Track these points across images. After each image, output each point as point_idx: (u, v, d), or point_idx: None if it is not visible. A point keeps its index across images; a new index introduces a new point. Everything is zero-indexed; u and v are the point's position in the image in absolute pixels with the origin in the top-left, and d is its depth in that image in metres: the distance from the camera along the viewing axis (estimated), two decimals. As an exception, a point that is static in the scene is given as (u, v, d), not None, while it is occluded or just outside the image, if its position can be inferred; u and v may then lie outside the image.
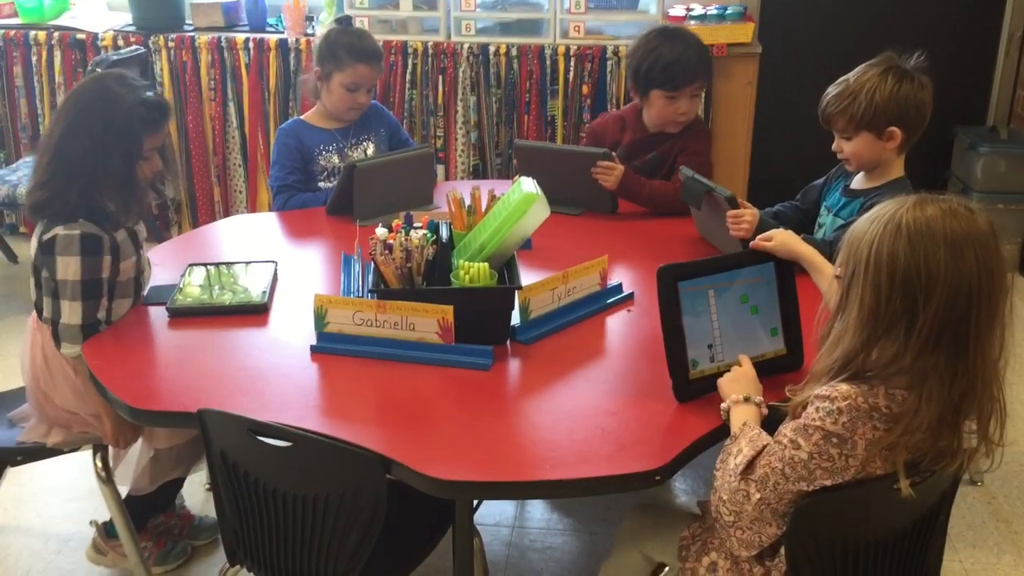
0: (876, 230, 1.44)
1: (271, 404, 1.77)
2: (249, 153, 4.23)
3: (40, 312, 2.10)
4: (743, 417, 1.62)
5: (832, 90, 2.28)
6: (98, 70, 3.40)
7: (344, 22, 2.93)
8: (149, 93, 2.09)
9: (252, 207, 4.29)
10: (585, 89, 3.96)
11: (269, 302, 2.17)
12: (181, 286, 2.20)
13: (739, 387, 1.69)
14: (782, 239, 1.86)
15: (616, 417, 1.73)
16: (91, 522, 2.39)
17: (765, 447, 1.52)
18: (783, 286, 1.85)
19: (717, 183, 2.41)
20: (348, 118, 2.91)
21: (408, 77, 4.05)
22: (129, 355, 1.97)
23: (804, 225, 2.51)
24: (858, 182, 2.39)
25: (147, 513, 2.38)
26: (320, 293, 1.97)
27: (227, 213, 4.35)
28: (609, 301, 2.18)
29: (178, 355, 1.98)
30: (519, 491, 1.82)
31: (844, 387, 1.45)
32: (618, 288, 2.22)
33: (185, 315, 2.11)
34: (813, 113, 2.33)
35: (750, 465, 1.52)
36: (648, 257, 2.49)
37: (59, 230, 1.99)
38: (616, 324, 2.12)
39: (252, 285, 2.23)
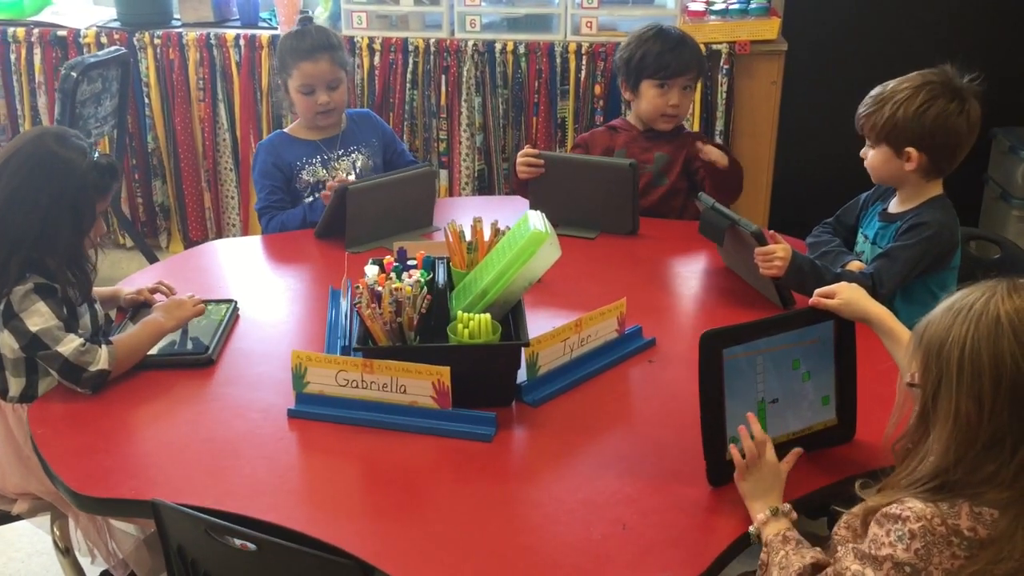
0: (966, 328, 1.19)
1: (239, 488, 1.54)
2: (241, 157, 3.98)
3: (4, 394, 1.89)
4: (773, 535, 1.38)
5: (873, 91, 2.08)
6: (72, 74, 3.17)
7: (303, 23, 2.70)
8: (96, 154, 1.87)
9: (244, 214, 4.05)
10: (598, 89, 3.70)
11: (216, 353, 1.92)
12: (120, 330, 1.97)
13: (761, 488, 1.44)
14: (847, 296, 1.60)
15: (639, 507, 1.48)
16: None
17: (812, 571, 1.28)
18: (841, 349, 1.60)
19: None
20: (323, 124, 2.66)
21: (409, 76, 3.79)
22: (77, 423, 1.73)
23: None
24: (895, 205, 2.17)
25: None
26: (298, 349, 1.73)
27: (218, 220, 4.11)
28: (627, 350, 1.93)
29: (132, 422, 1.74)
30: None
31: (918, 505, 1.20)
32: (637, 334, 1.97)
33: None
34: (842, 115, 2.12)
35: None
36: (670, 293, 2.25)
37: (9, 295, 1.78)
38: (636, 378, 1.87)
39: (202, 330, 1.99)
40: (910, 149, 2.00)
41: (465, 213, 2.12)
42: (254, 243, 2.56)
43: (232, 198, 4.07)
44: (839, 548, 1.35)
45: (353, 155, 2.71)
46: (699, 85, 3.62)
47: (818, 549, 1.35)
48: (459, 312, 1.76)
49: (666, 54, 2.57)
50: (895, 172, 2.06)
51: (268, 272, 2.41)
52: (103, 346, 1.79)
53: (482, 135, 3.84)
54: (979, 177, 4.09)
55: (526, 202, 2.57)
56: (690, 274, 2.32)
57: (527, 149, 2.56)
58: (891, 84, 2.04)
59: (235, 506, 1.48)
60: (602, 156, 2.65)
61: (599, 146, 2.71)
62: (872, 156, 2.08)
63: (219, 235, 4.08)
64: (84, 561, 2.02)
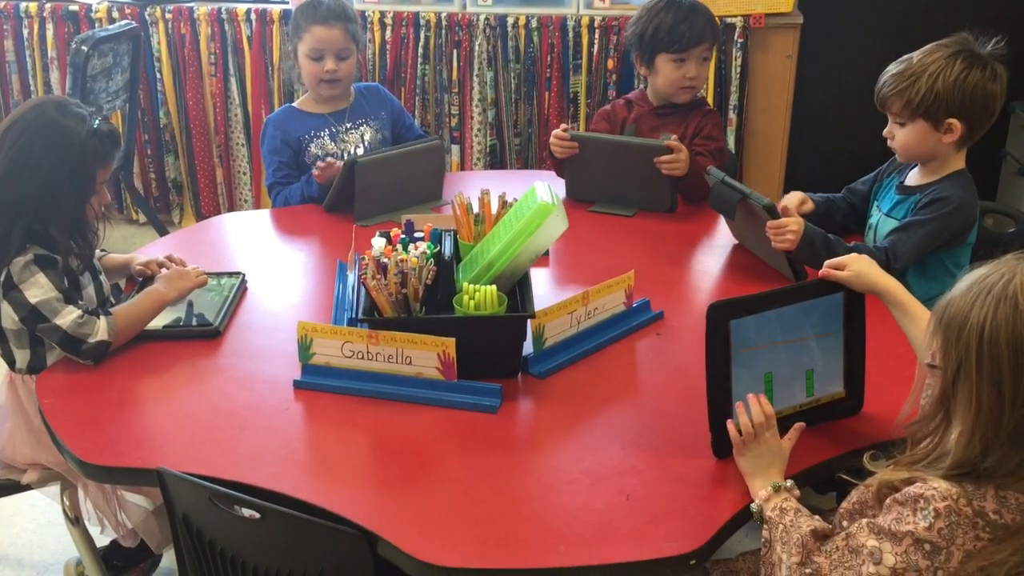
0: (985, 310, 1.15)
1: (244, 458, 1.54)
2: (253, 132, 3.97)
3: (12, 365, 1.90)
4: (772, 510, 1.37)
5: (892, 68, 2.02)
6: (83, 48, 3.16)
7: None
8: (98, 121, 1.86)
9: (256, 190, 4.05)
10: (611, 64, 3.67)
11: (223, 325, 1.92)
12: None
13: (760, 465, 1.42)
14: (858, 268, 1.57)
15: (643, 477, 1.48)
16: (65, 565, 2.19)
17: (812, 538, 1.27)
18: (850, 321, 1.58)
19: (742, 165, 2.13)
20: (326, 93, 2.64)
21: (420, 51, 3.77)
22: (84, 393, 1.73)
23: (851, 224, 2.28)
24: (913, 178, 2.13)
25: (129, 563, 2.17)
26: (304, 320, 1.73)
27: (230, 196, 4.12)
28: (635, 323, 1.92)
29: (140, 393, 1.74)
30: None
31: (943, 485, 1.18)
32: (645, 307, 1.96)
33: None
34: (859, 89, 2.07)
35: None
36: (680, 266, 2.23)
37: (9, 265, 1.78)
38: (643, 352, 1.86)
39: (209, 304, 1.98)
40: (952, 120, 1.96)
41: (477, 187, 2.10)
42: (264, 217, 2.55)
43: (244, 173, 4.07)
44: (844, 521, 1.34)
45: (361, 128, 2.69)
46: (713, 58, 3.59)
47: (817, 517, 1.33)
48: (465, 284, 1.75)
49: (679, 25, 2.52)
50: (932, 147, 2.01)
51: (277, 245, 2.40)
52: (102, 317, 1.79)
53: (494, 110, 3.82)
54: (997, 152, 4.04)
55: (538, 175, 2.55)
56: (702, 248, 2.30)
57: (560, 129, 2.51)
58: (916, 57, 1.99)
59: (240, 475, 1.48)
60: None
61: (618, 120, 2.67)
62: (905, 133, 2.01)
63: (231, 210, 4.08)
64: (94, 531, 2.03)
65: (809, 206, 2.25)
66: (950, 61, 1.94)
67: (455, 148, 3.88)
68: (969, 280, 1.21)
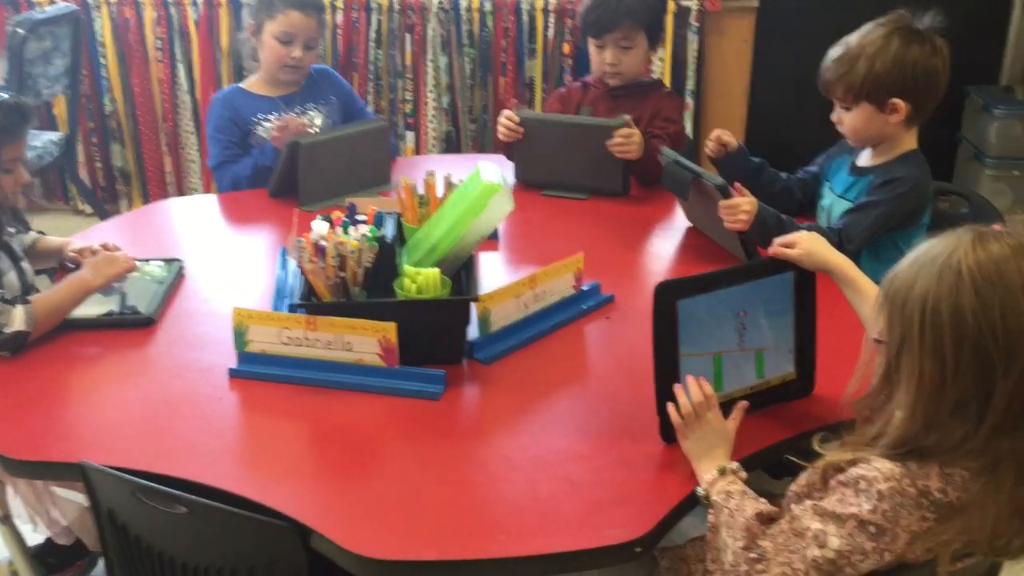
0: (928, 282, 1.11)
1: (173, 449, 1.47)
2: (201, 119, 3.87)
3: None
4: (717, 494, 1.33)
5: (832, 53, 1.98)
6: (19, 31, 3.05)
7: None
8: (3, 95, 1.77)
9: (207, 178, 3.95)
10: (566, 48, 3.62)
11: (158, 313, 1.85)
12: None
13: (703, 447, 1.38)
14: (808, 246, 1.53)
15: (589, 464, 1.43)
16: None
17: (757, 522, 1.23)
18: (801, 301, 1.54)
19: (699, 150, 2.10)
20: (285, 79, 2.57)
21: (373, 35, 3.69)
22: (3, 385, 1.64)
23: (805, 205, 2.24)
24: (865, 159, 2.10)
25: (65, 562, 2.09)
26: (240, 306, 1.66)
27: (180, 184, 4.02)
28: (585, 307, 1.87)
29: (66, 384, 1.66)
30: (467, 572, 1.31)
31: (886, 465, 1.14)
32: (595, 291, 1.91)
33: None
34: (816, 73, 2.03)
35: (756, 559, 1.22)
36: (632, 249, 2.18)
37: None
38: (593, 336, 1.81)
39: (142, 292, 1.91)
40: (896, 100, 1.92)
41: (427, 170, 2.04)
42: (209, 202, 2.48)
43: (193, 162, 3.97)
44: (793, 504, 1.30)
45: (311, 112, 2.62)
46: (668, 42, 3.55)
47: (763, 500, 1.30)
48: (407, 267, 1.69)
49: (593, 10, 2.44)
50: (879, 129, 1.98)
51: (220, 231, 2.33)
52: (19, 306, 1.70)
53: (449, 96, 3.75)
54: (952, 137, 4.05)
55: (490, 159, 2.49)
56: (655, 231, 2.26)
57: (506, 112, 2.45)
58: (854, 40, 1.95)
59: (169, 468, 1.41)
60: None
61: (573, 103, 2.61)
62: (851, 118, 1.98)
63: (181, 199, 3.99)
64: (28, 529, 1.95)
65: (732, 140, 2.23)
66: (887, 40, 1.91)
67: (410, 135, 3.81)
68: (915, 252, 1.17)
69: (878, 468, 1.14)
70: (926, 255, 1.14)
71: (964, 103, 3.99)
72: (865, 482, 1.14)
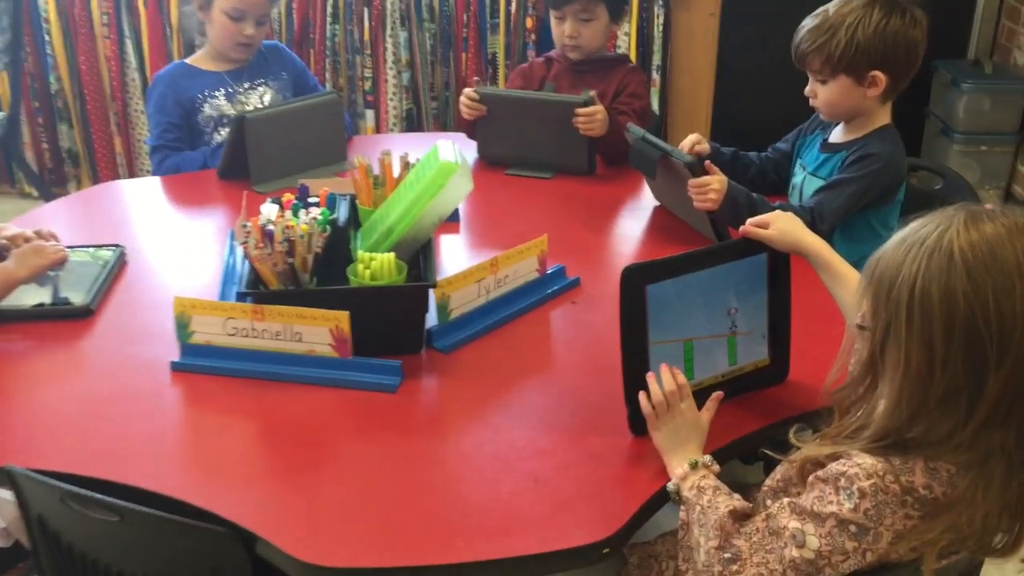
0: (916, 264, 1.04)
1: (110, 451, 1.37)
2: (152, 98, 3.73)
3: None
4: (689, 489, 1.26)
5: (807, 23, 1.91)
6: (-47, 5, 2.90)
7: None
8: None
9: (159, 159, 3.81)
10: (529, 23, 3.53)
11: (96, 303, 1.74)
12: None
13: (676, 440, 1.31)
14: (781, 226, 1.46)
15: (554, 461, 1.35)
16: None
17: (731, 520, 1.16)
18: (774, 283, 1.47)
19: (666, 127, 2.02)
20: (236, 56, 2.46)
21: (329, 10, 3.57)
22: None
23: (780, 185, 2.17)
24: (837, 135, 2.03)
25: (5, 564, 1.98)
26: (181, 296, 1.56)
27: (131, 166, 3.88)
28: (549, 291, 1.79)
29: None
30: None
31: (868, 460, 1.07)
32: (560, 274, 1.83)
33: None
34: (784, 49, 1.97)
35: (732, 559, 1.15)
36: (598, 231, 2.10)
37: None
38: (558, 322, 1.73)
39: (79, 281, 1.80)
40: (876, 72, 1.86)
41: (390, 149, 1.94)
42: (153, 184, 2.36)
43: (145, 142, 3.82)
44: (769, 501, 1.23)
45: (260, 88, 2.51)
46: (634, 15, 3.47)
47: (737, 496, 1.23)
48: (360, 252, 1.60)
49: None
50: (855, 103, 1.92)
51: (166, 215, 2.21)
52: None
53: (409, 72, 3.64)
54: (920, 112, 4.00)
55: (451, 137, 2.39)
56: (622, 211, 2.18)
57: (468, 90, 2.36)
58: (831, 9, 1.89)
59: (105, 471, 1.32)
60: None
61: (536, 79, 2.52)
62: (827, 91, 1.91)
63: (132, 181, 3.85)
64: (-37, 532, 1.84)
65: (704, 147, 2.13)
66: (867, 10, 1.84)
67: (369, 113, 3.70)
68: (902, 233, 1.10)
69: (859, 464, 1.07)
70: (914, 236, 1.07)
71: (932, 77, 3.95)
72: (846, 479, 1.07)
